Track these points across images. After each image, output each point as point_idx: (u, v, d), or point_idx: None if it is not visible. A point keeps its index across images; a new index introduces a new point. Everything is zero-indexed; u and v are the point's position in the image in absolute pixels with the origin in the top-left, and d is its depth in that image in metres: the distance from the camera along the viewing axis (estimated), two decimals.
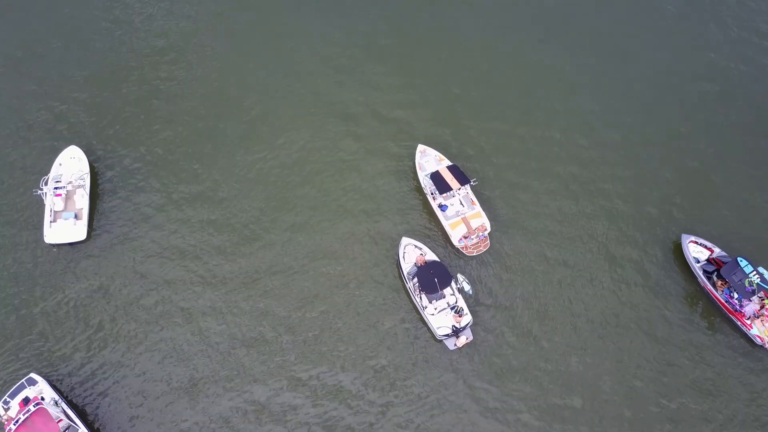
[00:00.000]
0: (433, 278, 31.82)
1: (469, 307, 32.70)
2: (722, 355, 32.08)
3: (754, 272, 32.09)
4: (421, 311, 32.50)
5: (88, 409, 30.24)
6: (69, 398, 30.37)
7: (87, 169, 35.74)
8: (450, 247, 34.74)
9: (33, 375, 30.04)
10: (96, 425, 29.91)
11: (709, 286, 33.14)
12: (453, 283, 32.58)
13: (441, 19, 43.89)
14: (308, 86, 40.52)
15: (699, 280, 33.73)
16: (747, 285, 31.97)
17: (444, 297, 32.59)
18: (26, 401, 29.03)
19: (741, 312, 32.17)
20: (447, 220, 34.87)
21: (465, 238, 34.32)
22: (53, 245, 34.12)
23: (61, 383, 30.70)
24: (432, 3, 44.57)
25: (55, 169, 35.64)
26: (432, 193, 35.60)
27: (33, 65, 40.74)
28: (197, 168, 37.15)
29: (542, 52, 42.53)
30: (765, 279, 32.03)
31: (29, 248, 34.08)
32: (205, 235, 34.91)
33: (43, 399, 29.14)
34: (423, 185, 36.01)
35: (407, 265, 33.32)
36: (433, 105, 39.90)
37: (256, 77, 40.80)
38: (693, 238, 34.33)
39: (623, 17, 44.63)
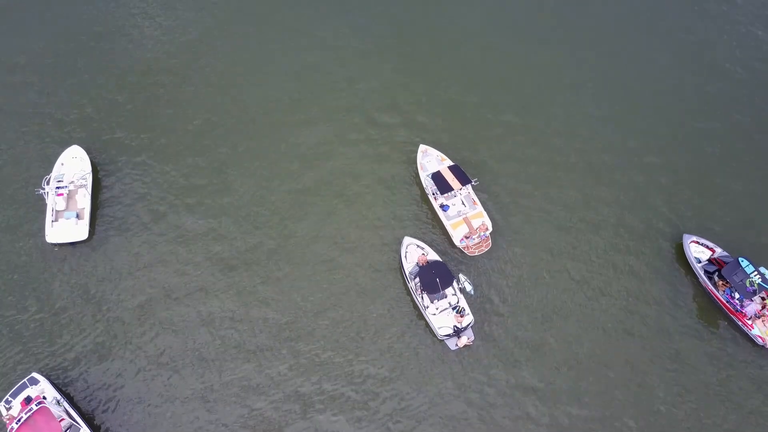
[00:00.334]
0: (434, 278, 31.85)
1: (470, 307, 32.72)
2: (723, 355, 32.08)
3: (756, 272, 32.14)
4: (422, 311, 32.53)
5: (90, 409, 30.22)
6: (71, 397, 30.36)
7: (89, 168, 35.77)
8: (451, 247, 34.77)
9: (35, 374, 30.03)
10: (98, 424, 29.90)
11: (711, 286, 33.18)
12: (455, 283, 32.60)
13: (442, 20, 43.99)
14: (309, 88, 40.59)
15: (700, 280, 33.78)
16: (748, 285, 32.02)
17: (446, 297, 32.63)
18: (28, 400, 29.03)
19: (742, 312, 32.21)
20: (448, 220, 34.92)
21: (466, 238, 34.36)
22: (55, 245, 34.14)
23: (62, 383, 30.69)
24: (433, 3, 44.65)
25: (57, 169, 35.68)
26: (433, 193, 35.65)
27: (36, 66, 40.80)
28: (199, 169, 37.17)
29: (543, 52, 42.64)
30: (766, 279, 32.07)
31: (31, 247, 34.10)
32: (207, 236, 34.92)
33: (45, 398, 29.12)
34: (424, 185, 36.06)
35: (409, 265, 33.35)
36: (434, 105, 39.97)
37: (257, 78, 40.88)
38: (694, 238, 34.38)
39: (624, 18, 44.75)
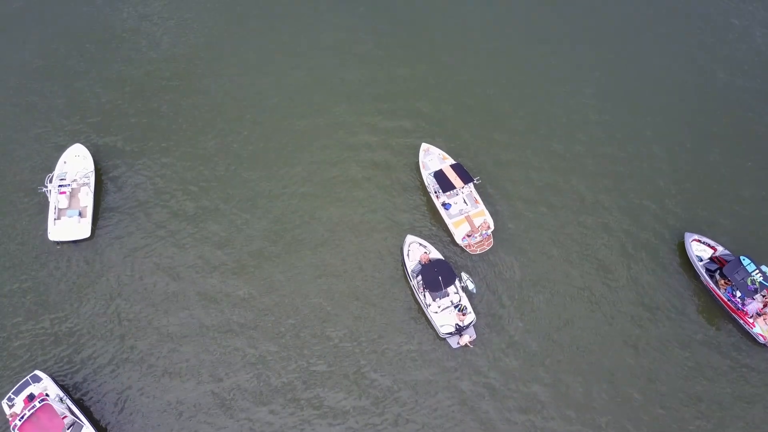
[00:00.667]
0: (437, 276, 31.90)
1: (472, 305, 32.77)
2: (724, 354, 32.14)
3: (757, 271, 32.20)
4: (424, 309, 32.58)
5: (92, 406, 30.26)
6: (73, 395, 30.40)
7: (92, 167, 35.83)
8: (453, 246, 34.83)
9: (37, 372, 30.04)
10: (100, 422, 29.94)
11: (712, 285, 33.24)
12: (457, 282, 32.65)
13: (444, 20, 44.06)
14: (310, 88, 40.62)
15: (702, 278, 33.84)
16: (749, 284, 32.08)
17: (448, 295, 32.67)
18: (31, 398, 29.06)
19: (743, 311, 32.26)
20: (450, 218, 34.97)
21: (468, 236, 34.42)
22: (57, 243, 34.19)
23: (65, 380, 30.73)
24: (435, 3, 44.72)
25: (60, 167, 35.73)
26: (435, 192, 35.72)
27: (39, 64, 40.88)
28: (202, 169, 37.23)
29: (544, 52, 42.72)
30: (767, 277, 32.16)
31: (33, 245, 34.14)
32: (208, 237, 34.98)
33: (47, 395, 29.12)
34: (426, 183, 36.13)
35: (411, 263, 33.41)
36: (436, 104, 40.04)
37: (258, 79, 40.94)
38: (696, 237, 34.44)
39: (626, 18, 44.82)
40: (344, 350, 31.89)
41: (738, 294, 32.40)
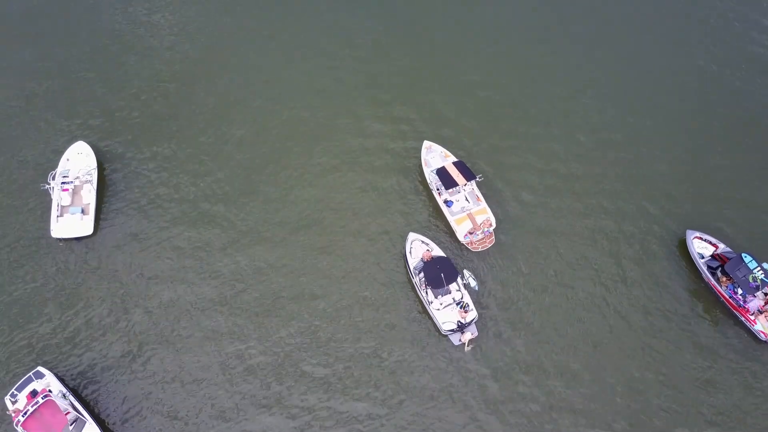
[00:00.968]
0: (439, 273, 31.94)
1: (474, 303, 32.82)
2: (726, 351, 32.18)
3: (759, 268, 32.24)
4: (426, 306, 32.63)
5: (95, 402, 30.31)
6: (76, 391, 30.45)
7: (94, 164, 35.90)
8: (455, 243, 34.89)
9: (40, 368, 30.11)
10: (103, 418, 29.99)
11: (713, 282, 33.30)
12: (459, 279, 32.67)
13: (445, 20, 44.14)
14: (312, 85, 40.71)
15: (703, 275, 33.90)
16: (751, 281, 32.11)
17: (450, 292, 32.72)
18: (34, 394, 29.10)
19: (745, 308, 32.31)
20: (452, 215, 35.04)
21: (470, 233, 34.49)
22: (60, 239, 34.26)
23: (67, 377, 30.79)
24: (437, 4, 44.80)
25: (63, 164, 35.83)
26: (437, 189, 35.78)
27: (43, 62, 40.99)
28: (204, 166, 37.32)
29: (546, 52, 42.82)
30: None
31: (36, 242, 34.22)
32: (211, 233, 35.04)
33: (50, 391, 29.19)
34: (428, 181, 36.19)
35: (414, 260, 33.47)
36: (438, 102, 40.12)
37: (261, 77, 41.06)
38: (697, 234, 34.50)
39: (627, 18, 44.89)
40: (345, 347, 31.93)
41: (739, 291, 32.45)
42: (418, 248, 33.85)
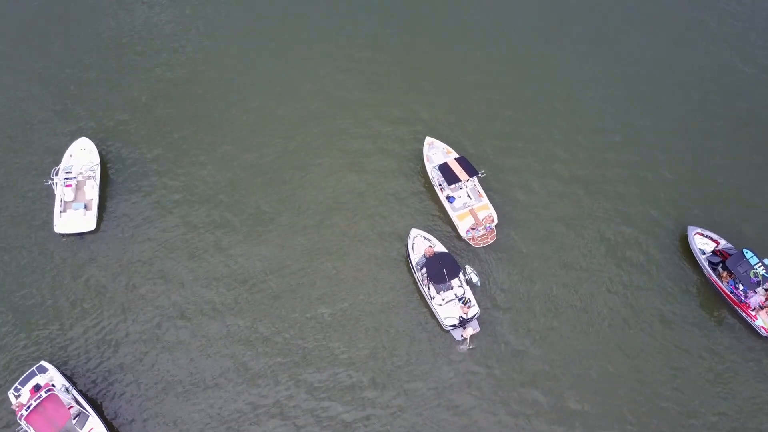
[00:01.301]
0: (441, 269, 32.04)
1: (476, 298, 32.90)
2: (727, 346, 32.26)
3: (760, 264, 32.34)
4: (428, 301, 32.72)
5: (98, 397, 30.39)
6: (79, 386, 30.52)
7: (97, 160, 36.00)
8: (457, 239, 34.99)
9: (43, 363, 30.15)
10: (106, 413, 30.06)
11: (714, 278, 33.40)
12: (461, 275, 32.77)
13: (446, 21, 44.26)
14: (313, 84, 40.78)
15: (704, 271, 34.00)
16: (752, 276, 32.22)
17: (452, 288, 32.80)
18: (37, 388, 29.11)
19: (746, 303, 32.41)
20: (454, 211, 35.14)
21: (472, 229, 34.58)
22: (63, 235, 34.33)
23: (70, 371, 30.86)
24: (437, 2, 44.93)
25: (66, 160, 35.91)
26: (440, 185, 35.88)
27: (47, 58, 41.11)
28: (206, 161, 37.41)
29: (547, 50, 42.92)
30: None
31: (39, 238, 34.32)
32: (213, 229, 35.13)
33: (53, 386, 29.24)
34: (431, 177, 36.29)
35: (416, 256, 33.56)
36: (440, 100, 40.23)
37: (264, 75, 41.16)
38: (699, 230, 34.61)
39: (627, 18, 45.02)
40: (346, 342, 32.01)
41: (741, 287, 32.55)
42: (421, 244, 33.94)
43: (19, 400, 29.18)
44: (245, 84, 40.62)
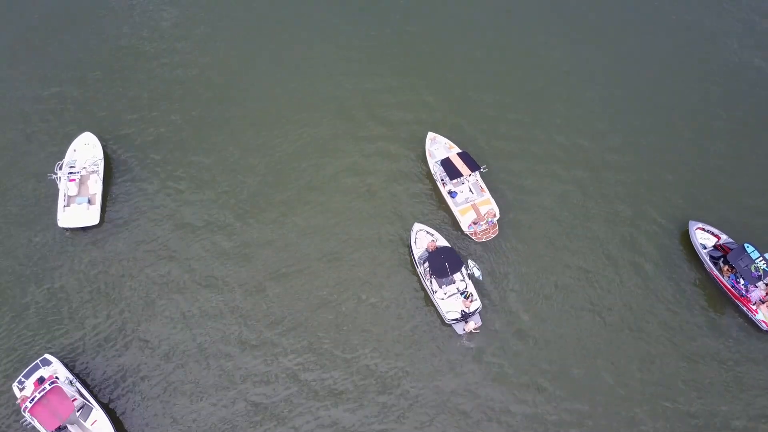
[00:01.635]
0: (443, 263, 32.14)
1: (478, 292, 33.01)
2: (728, 340, 32.38)
3: (761, 258, 32.45)
4: (431, 295, 32.83)
5: (102, 390, 30.51)
6: (82, 379, 30.63)
7: (101, 155, 36.13)
8: (460, 234, 35.11)
9: (47, 356, 30.31)
10: (109, 405, 30.18)
11: (716, 272, 33.51)
12: (463, 269, 32.85)
13: (447, 14, 44.39)
14: (317, 78, 40.91)
15: (706, 266, 34.12)
16: (753, 271, 32.33)
17: (454, 282, 32.91)
18: (41, 380, 29.26)
19: (747, 297, 32.52)
20: (456, 206, 35.26)
21: (474, 224, 34.70)
22: (66, 229, 34.46)
23: (74, 364, 30.97)
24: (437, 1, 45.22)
25: (70, 155, 36.04)
26: (442, 179, 36.00)
27: (51, 54, 41.25)
28: (209, 157, 37.53)
29: (548, 47, 43.04)
30: None
31: (42, 232, 34.44)
32: (215, 225, 35.23)
33: (57, 378, 29.37)
34: (433, 172, 36.42)
35: (419, 250, 33.68)
36: (442, 96, 40.33)
37: (265, 74, 41.27)
38: (700, 225, 34.73)
39: (627, 17, 45.13)
40: (350, 336, 32.13)
41: (742, 281, 32.66)
42: (423, 238, 34.06)
43: (23, 392, 29.34)
44: (247, 83, 40.66)
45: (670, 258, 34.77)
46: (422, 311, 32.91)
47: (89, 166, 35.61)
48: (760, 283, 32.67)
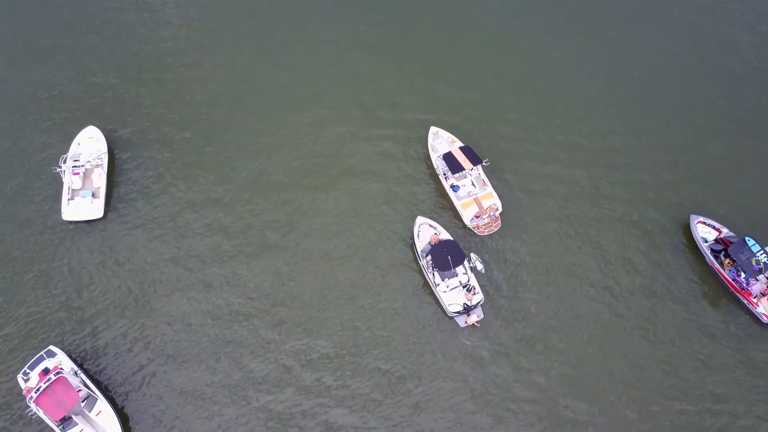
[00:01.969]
0: (446, 256, 32.30)
1: (480, 285, 33.17)
2: (729, 333, 32.55)
3: (762, 251, 32.64)
4: (433, 288, 32.99)
5: (106, 381, 30.63)
6: (87, 370, 30.76)
7: (105, 148, 36.29)
8: (462, 227, 35.27)
9: (52, 347, 30.42)
10: (113, 396, 30.30)
11: (717, 266, 33.69)
12: (466, 262, 33.02)
13: (448, 12, 44.54)
14: (315, 80, 41.02)
15: (707, 259, 34.29)
16: (754, 264, 32.51)
17: (456, 275, 33.07)
18: (46, 371, 29.36)
19: (748, 290, 32.70)
20: (459, 200, 35.43)
21: (476, 217, 34.87)
22: (71, 222, 34.62)
23: (78, 356, 31.11)
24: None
25: (74, 149, 36.21)
26: (444, 174, 36.16)
27: (56, 49, 41.40)
28: (213, 151, 37.68)
29: (550, 44, 43.24)
30: None
31: (47, 225, 34.58)
32: (218, 222, 35.37)
33: (62, 369, 29.47)
34: (435, 166, 36.59)
35: (421, 243, 33.83)
36: (442, 94, 40.49)
37: (271, 69, 41.44)
38: (701, 219, 34.90)
39: (628, 11, 45.32)
40: (353, 329, 32.29)
41: (743, 274, 32.84)
42: (426, 232, 34.23)
43: (28, 384, 29.42)
44: (252, 82, 40.76)
45: (671, 252, 34.94)
46: (425, 304, 33.06)
47: (93, 159, 35.76)
48: (761, 276, 32.85)
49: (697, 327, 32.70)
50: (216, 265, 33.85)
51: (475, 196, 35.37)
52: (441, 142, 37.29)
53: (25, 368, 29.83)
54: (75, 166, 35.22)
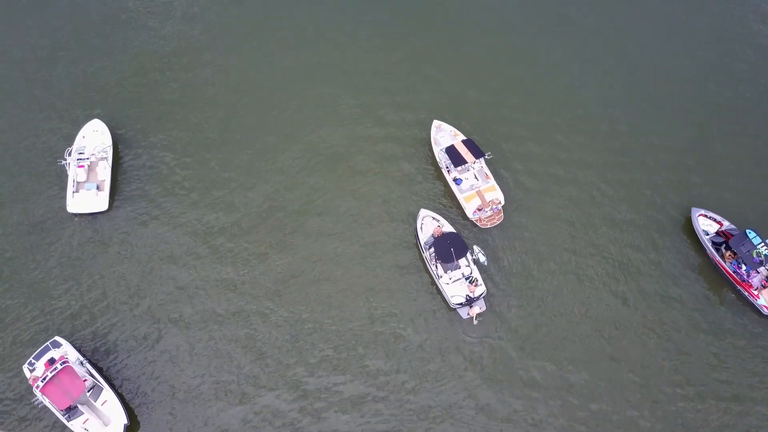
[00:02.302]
0: (449, 248, 32.49)
1: (483, 278, 33.36)
2: (729, 325, 32.72)
3: (762, 244, 32.82)
4: (436, 280, 33.18)
5: (111, 372, 30.82)
6: (92, 360, 30.96)
7: (110, 141, 36.47)
8: (465, 220, 35.47)
9: (57, 338, 30.62)
10: (119, 388, 30.49)
11: (718, 258, 33.89)
12: (468, 254, 33.21)
13: (451, 11, 44.71)
14: (316, 78, 41.13)
15: (708, 252, 34.50)
16: (755, 256, 32.70)
17: (459, 267, 33.26)
18: (52, 361, 29.56)
19: (749, 283, 32.89)
20: (461, 193, 35.63)
21: (479, 210, 35.07)
22: (75, 215, 34.81)
23: (84, 346, 31.29)
24: None
25: (79, 141, 36.39)
26: (447, 167, 36.36)
27: (60, 42, 41.56)
28: (218, 146, 37.83)
29: (550, 41, 43.35)
30: None
31: (52, 217, 34.77)
32: (224, 211, 35.55)
33: (68, 359, 29.66)
34: (438, 159, 36.78)
35: (425, 236, 34.03)
36: (443, 90, 40.61)
37: (273, 68, 41.57)
38: (702, 212, 35.11)
39: (630, 8, 45.46)
40: (356, 321, 32.49)
41: (743, 267, 33.03)
42: (429, 224, 34.43)
43: (33, 374, 29.61)
44: (256, 76, 40.90)
45: (673, 244, 35.14)
46: (427, 296, 33.25)
47: (98, 152, 35.94)
48: (761, 269, 33.04)
49: (698, 319, 32.82)
50: (219, 262, 33.99)
51: (478, 189, 35.56)
52: (444, 135, 37.49)
53: (30, 358, 30.02)
54: (80, 159, 35.42)
